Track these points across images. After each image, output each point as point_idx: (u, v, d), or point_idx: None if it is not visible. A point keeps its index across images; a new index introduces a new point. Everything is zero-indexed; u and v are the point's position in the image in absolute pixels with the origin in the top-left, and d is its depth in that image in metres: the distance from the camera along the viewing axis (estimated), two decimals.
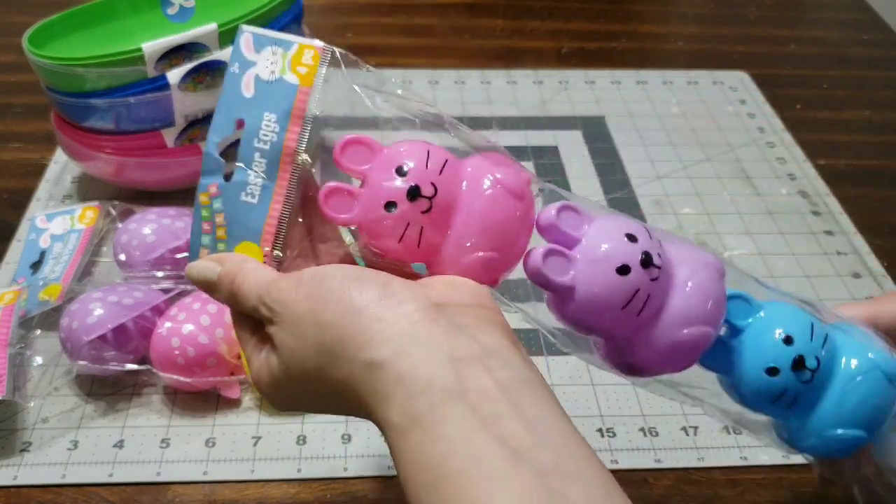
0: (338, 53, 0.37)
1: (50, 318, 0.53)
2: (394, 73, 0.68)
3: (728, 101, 0.81)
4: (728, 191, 0.70)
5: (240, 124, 0.36)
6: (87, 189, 0.67)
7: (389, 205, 0.34)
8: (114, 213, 0.61)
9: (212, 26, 0.57)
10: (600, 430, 0.51)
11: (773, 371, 0.35)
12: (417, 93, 0.39)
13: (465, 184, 0.35)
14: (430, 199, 0.34)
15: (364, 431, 0.50)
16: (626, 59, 0.88)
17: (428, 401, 0.29)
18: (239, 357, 0.50)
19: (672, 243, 0.36)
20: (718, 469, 0.49)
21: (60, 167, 0.69)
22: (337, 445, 0.49)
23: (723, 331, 0.36)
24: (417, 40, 0.91)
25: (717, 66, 0.87)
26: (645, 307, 0.34)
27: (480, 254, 0.35)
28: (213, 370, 0.49)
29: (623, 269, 0.33)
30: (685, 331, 0.34)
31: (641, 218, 0.67)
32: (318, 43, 0.37)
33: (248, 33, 0.37)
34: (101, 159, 0.60)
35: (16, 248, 0.61)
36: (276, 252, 0.36)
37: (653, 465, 0.49)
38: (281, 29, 0.61)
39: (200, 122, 0.60)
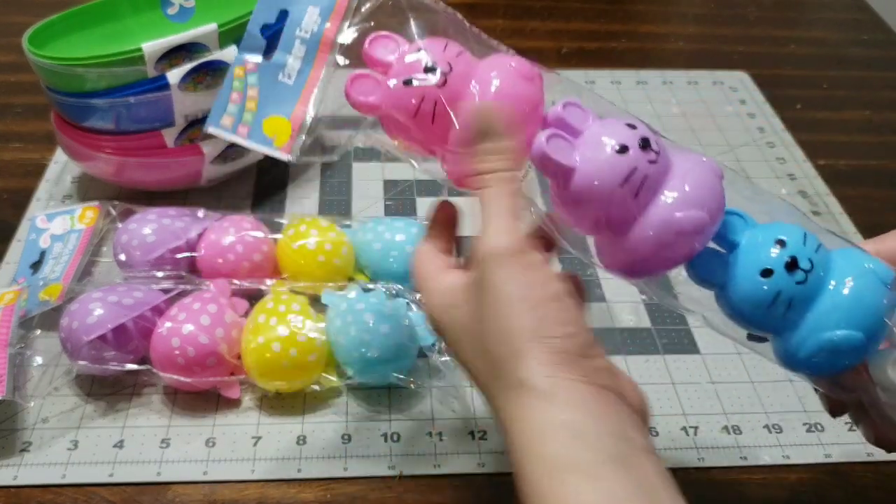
0: None
1: (50, 318, 0.53)
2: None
3: (728, 101, 0.81)
4: (728, 191, 0.70)
5: (282, 14, 0.40)
6: (87, 189, 0.67)
7: (407, 82, 0.38)
8: (114, 213, 0.61)
9: (212, 26, 0.57)
10: None
11: (767, 272, 0.36)
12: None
13: (481, 66, 0.39)
14: (445, 74, 0.38)
15: (364, 431, 0.50)
16: (626, 59, 0.88)
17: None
18: (239, 357, 0.50)
19: (675, 147, 0.38)
20: (718, 469, 0.49)
21: (60, 167, 0.69)
22: (337, 445, 0.49)
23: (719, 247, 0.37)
24: None
25: (717, 67, 0.87)
26: (642, 187, 0.35)
27: None
28: (214, 370, 0.49)
29: (622, 149, 0.35)
30: (678, 214, 0.35)
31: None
32: None
33: None
34: (101, 159, 0.60)
35: (16, 248, 0.61)
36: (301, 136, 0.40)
37: None
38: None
39: (201, 122, 0.60)
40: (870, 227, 0.67)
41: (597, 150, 0.36)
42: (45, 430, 0.49)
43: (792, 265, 0.36)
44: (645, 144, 0.36)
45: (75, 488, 0.47)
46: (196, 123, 0.60)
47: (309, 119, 0.40)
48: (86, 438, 0.49)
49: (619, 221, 0.36)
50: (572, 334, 0.33)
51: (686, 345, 0.56)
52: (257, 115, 0.40)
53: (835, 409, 0.41)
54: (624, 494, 0.30)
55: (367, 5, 0.41)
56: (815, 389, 0.41)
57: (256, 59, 0.41)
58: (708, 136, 0.76)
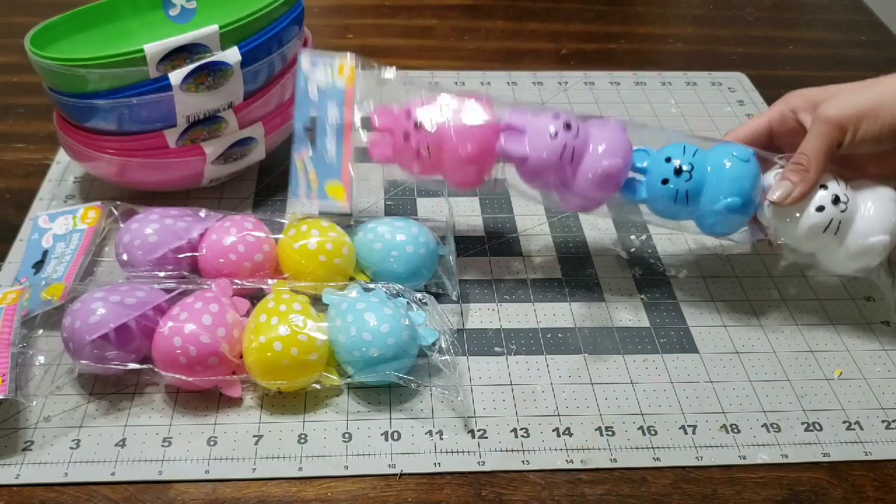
0: (359, 62, 0.58)
1: (52, 318, 0.54)
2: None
3: (726, 101, 0.82)
4: None
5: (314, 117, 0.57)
6: (89, 189, 0.67)
7: (406, 136, 0.55)
8: (116, 213, 0.61)
9: (213, 28, 0.57)
10: (599, 428, 0.51)
11: (664, 181, 0.54)
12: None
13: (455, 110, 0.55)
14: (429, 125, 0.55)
15: (364, 430, 0.50)
16: (625, 60, 0.89)
17: None
18: (240, 356, 0.51)
19: (589, 120, 0.55)
20: (717, 468, 0.50)
21: (63, 167, 0.69)
22: (338, 444, 0.50)
23: (638, 177, 0.56)
24: (417, 41, 0.91)
25: (715, 67, 0.87)
26: (574, 156, 0.53)
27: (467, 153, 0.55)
28: (215, 369, 0.50)
29: (554, 135, 0.53)
30: (605, 162, 0.53)
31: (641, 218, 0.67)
32: (349, 57, 0.58)
33: (305, 55, 0.58)
34: (104, 160, 0.60)
35: (18, 248, 0.61)
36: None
37: (652, 463, 0.49)
38: (281, 30, 0.61)
39: (202, 123, 0.60)
40: None
41: (538, 139, 0.54)
42: (47, 429, 0.50)
43: (678, 171, 0.54)
44: (567, 126, 0.54)
45: (77, 487, 0.47)
46: (197, 124, 0.60)
47: (352, 178, 0.57)
48: (88, 437, 0.49)
49: (565, 180, 0.54)
50: None
51: (685, 344, 0.57)
52: (320, 184, 0.57)
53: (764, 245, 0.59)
54: None
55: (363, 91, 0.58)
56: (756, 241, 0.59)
57: (307, 149, 0.58)
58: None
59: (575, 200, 0.55)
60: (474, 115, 0.55)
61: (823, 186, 0.53)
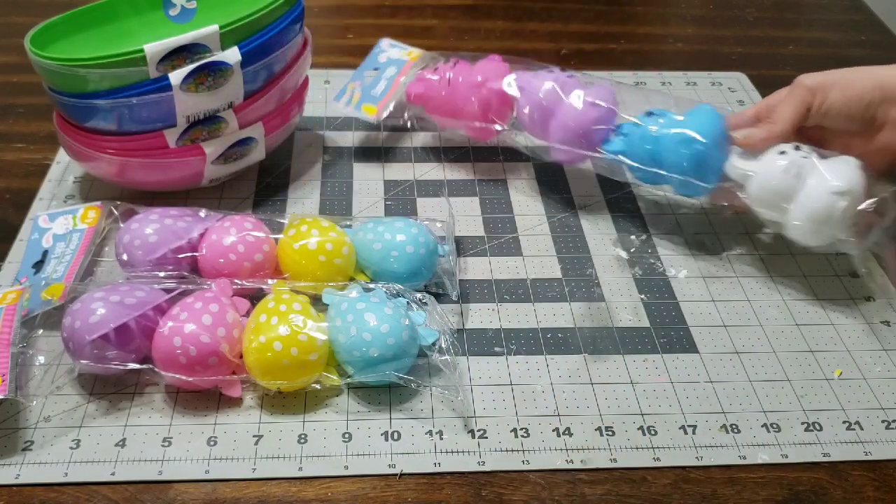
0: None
1: (52, 318, 0.54)
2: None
3: (726, 101, 0.82)
4: None
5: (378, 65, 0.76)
6: (89, 189, 0.67)
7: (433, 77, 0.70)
8: (116, 213, 0.61)
9: (213, 28, 0.57)
10: (599, 428, 0.51)
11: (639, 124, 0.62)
12: None
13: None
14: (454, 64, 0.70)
15: (364, 430, 0.50)
16: (625, 60, 0.89)
17: None
18: (240, 356, 0.51)
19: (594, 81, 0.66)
20: (717, 468, 0.50)
21: (63, 167, 0.69)
22: (338, 444, 0.50)
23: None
24: (417, 42, 0.91)
25: (715, 67, 0.87)
26: (565, 88, 0.64)
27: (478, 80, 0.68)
28: (215, 369, 0.50)
29: (551, 76, 0.66)
30: (588, 99, 0.63)
31: (640, 218, 0.67)
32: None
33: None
34: (104, 160, 0.60)
35: (19, 248, 0.61)
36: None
37: (652, 463, 0.50)
38: (281, 30, 0.61)
39: (202, 123, 0.60)
40: None
41: (537, 79, 0.66)
42: (47, 429, 0.50)
43: (650, 113, 0.62)
44: (564, 71, 0.66)
45: (77, 487, 0.47)
46: (197, 124, 0.60)
47: (387, 111, 0.71)
48: (88, 437, 0.49)
49: (558, 115, 0.64)
50: None
51: (685, 344, 0.57)
52: (359, 103, 0.72)
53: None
54: None
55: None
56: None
57: (361, 81, 0.73)
58: None
59: (560, 133, 0.64)
60: (486, 63, 0.69)
61: (793, 143, 0.57)
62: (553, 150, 0.65)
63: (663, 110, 0.62)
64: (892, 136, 0.58)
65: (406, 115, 0.74)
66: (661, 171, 0.60)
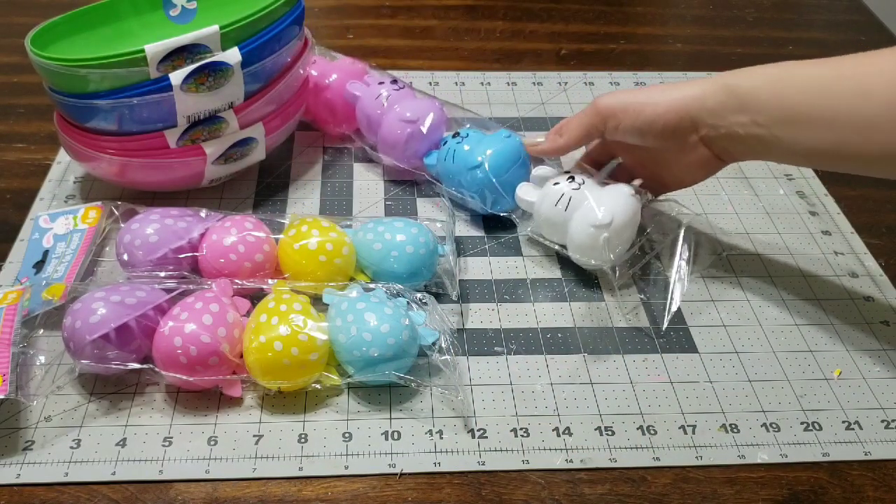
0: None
1: (53, 318, 0.54)
2: (395, 75, 0.70)
3: None
4: (726, 191, 0.71)
5: None
6: (90, 189, 0.67)
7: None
8: (117, 212, 0.61)
9: (214, 28, 0.57)
10: (599, 428, 0.51)
11: (444, 143, 0.65)
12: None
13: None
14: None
15: (364, 430, 0.50)
16: (625, 60, 0.89)
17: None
18: (241, 356, 0.51)
19: (414, 98, 0.67)
20: (716, 467, 0.50)
21: (63, 167, 0.69)
22: (338, 443, 0.50)
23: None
24: (418, 42, 0.91)
25: (715, 68, 0.87)
26: (388, 105, 0.66)
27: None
28: (216, 369, 0.50)
29: (378, 89, 0.68)
30: (408, 114, 0.65)
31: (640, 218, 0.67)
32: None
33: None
34: (104, 160, 0.60)
35: (19, 248, 0.61)
36: None
37: (651, 463, 0.50)
38: (281, 30, 0.61)
39: (202, 123, 0.60)
40: (867, 227, 0.68)
41: (368, 89, 0.68)
42: (47, 429, 0.50)
43: (455, 134, 0.64)
44: (394, 83, 0.68)
45: (78, 486, 0.47)
46: (198, 124, 0.60)
47: None
48: (88, 437, 0.49)
49: (380, 127, 0.66)
50: None
51: (684, 344, 0.57)
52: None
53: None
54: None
55: None
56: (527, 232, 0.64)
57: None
58: None
59: (382, 145, 0.66)
60: (339, 63, 0.71)
61: (568, 174, 0.60)
62: (385, 160, 0.67)
63: (475, 130, 0.65)
64: (697, 155, 0.56)
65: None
66: (464, 191, 0.63)
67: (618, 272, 0.58)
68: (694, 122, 0.55)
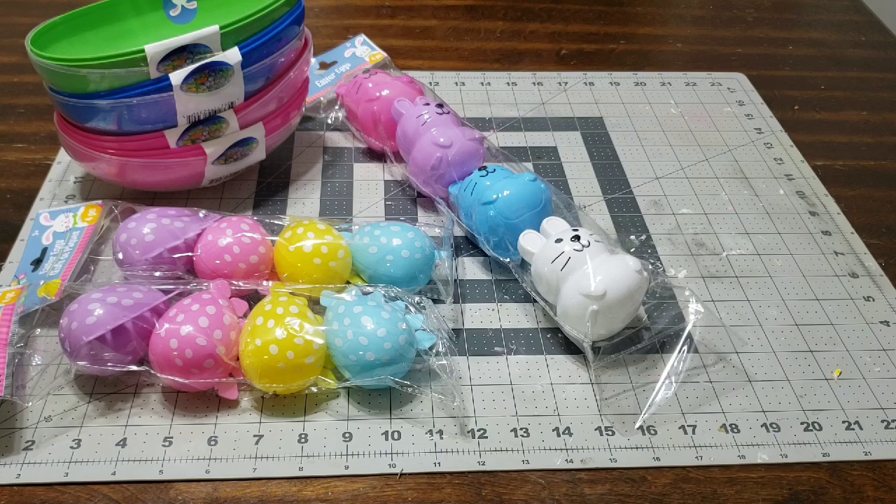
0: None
1: (51, 318, 0.54)
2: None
3: (726, 102, 0.82)
4: (726, 191, 0.71)
5: None
6: (90, 189, 0.67)
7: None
8: (116, 211, 0.61)
9: (214, 28, 0.57)
10: (599, 428, 0.51)
11: (469, 173, 0.63)
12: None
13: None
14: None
15: (365, 430, 0.50)
16: (625, 60, 0.89)
17: None
18: (237, 359, 0.51)
19: (455, 126, 0.65)
20: (716, 467, 0.50)
21: (64, 167, 0.69)
22: (338, 443, 0.50)
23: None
24: (417, 42, 0.91)
25: (715, 68, 0.87)
26: (426, 125, 0.64)
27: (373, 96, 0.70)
28: (212, 372, 0.50)
29: (422, 110, 0.66)
30: (441, 139, 0.63)
31: (640, 218, 0.67)
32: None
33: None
34: (104, 160, 0.60)
35: (19, 248, 0.61)
36: None
37: (651, 463, 0.50)
38: (281, 30, 0.61)
39: (203, 123, 0.60)
40: (867, 227, 0.68)
41: (412, 109, 0.66)
42: (47, 429, 0.50)
43: (482, 168, 0.62)
44: (440, 106, 0.66)
45: (78, 486, 0.47)
46: (198, 124, 0.60)
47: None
48: (88, 437, 0.49)
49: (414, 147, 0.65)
50: None
51: (684, 344, 0.57)
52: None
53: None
54: None
55: None
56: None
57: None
58: (706, 137, 0.77)
59: (412, 165, 0.65)
60: (395, 80, 0.71)
61: (575, 232, 0.55)
62: (414, 181, 0.65)
63: (503, 168, 0.62)
64: None
65: (333, 114, 0.75)
66: (472, 226, 0.61)
67: (600, 352, 0.54)
68: None
